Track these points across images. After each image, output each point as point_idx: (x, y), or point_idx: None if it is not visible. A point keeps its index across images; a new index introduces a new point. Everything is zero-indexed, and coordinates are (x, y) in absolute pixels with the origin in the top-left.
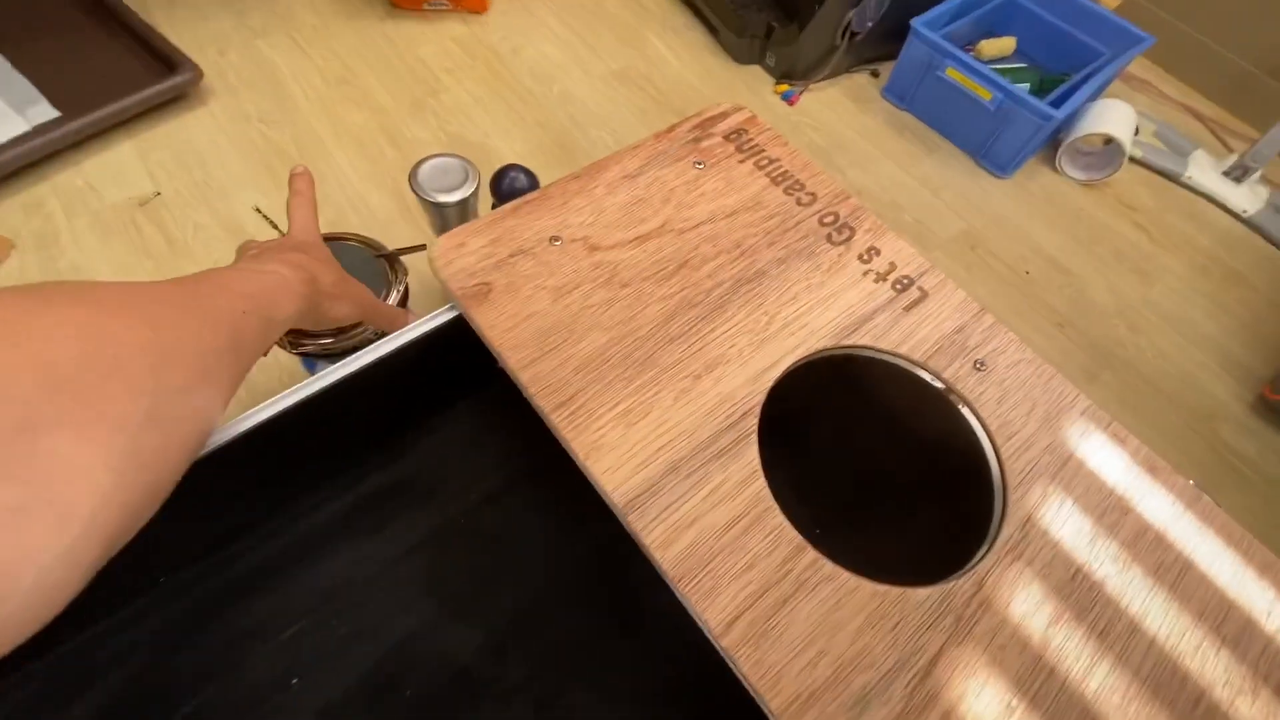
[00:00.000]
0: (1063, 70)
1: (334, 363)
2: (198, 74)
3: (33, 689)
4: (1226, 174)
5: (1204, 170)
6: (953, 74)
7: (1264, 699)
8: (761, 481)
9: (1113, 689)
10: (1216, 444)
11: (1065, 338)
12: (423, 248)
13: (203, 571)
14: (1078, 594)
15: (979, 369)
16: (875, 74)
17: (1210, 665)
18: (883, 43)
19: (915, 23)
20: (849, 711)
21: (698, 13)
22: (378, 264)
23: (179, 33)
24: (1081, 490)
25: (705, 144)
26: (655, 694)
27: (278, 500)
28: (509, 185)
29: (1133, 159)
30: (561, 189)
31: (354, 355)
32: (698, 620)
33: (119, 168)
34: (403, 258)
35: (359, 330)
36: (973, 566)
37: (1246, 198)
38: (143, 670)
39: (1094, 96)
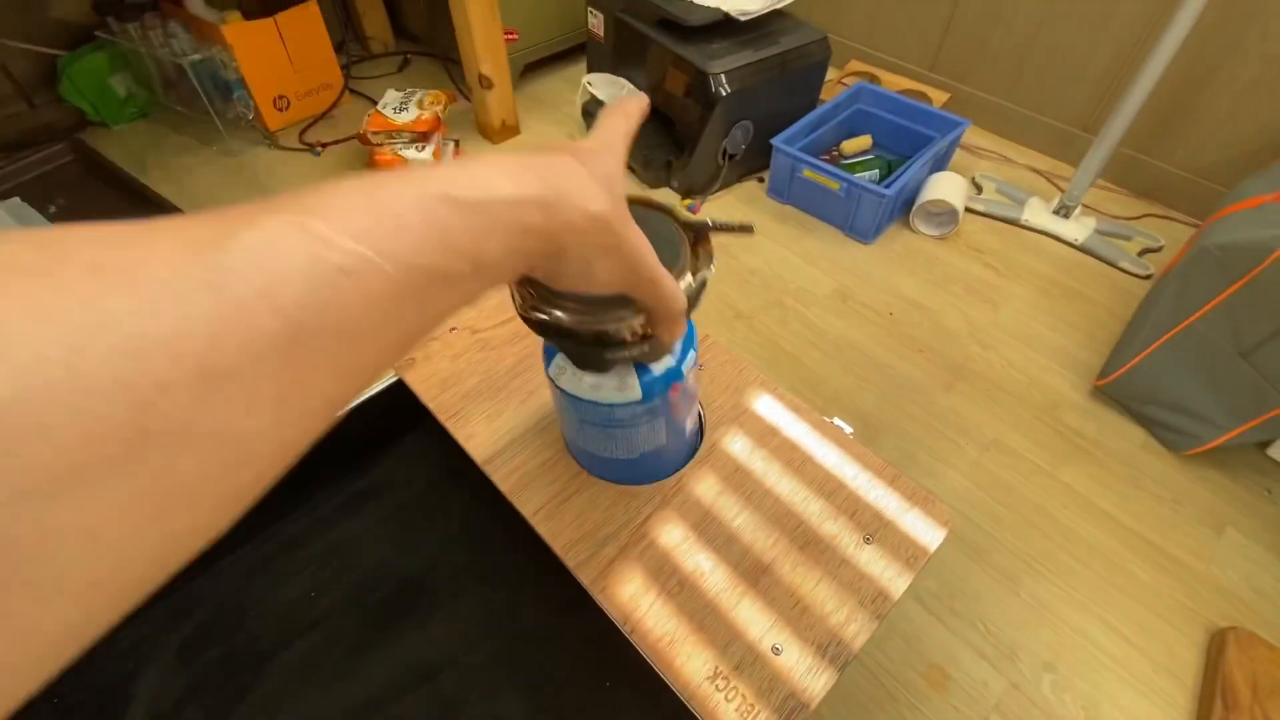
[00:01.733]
0: (907, 154)
1: (578, 363)
2: None
3: (146, 629)
4: (1056, 212)
5: (1038, 212)
6: (809, 174)
7: (864, 546)
8: (560, 444)
9: (757, 526)
10: (1061, 428)
11: (925, 359)
12: (749, 229)
13: (255, 543)
14: (739, 477)
15: (701, 367)
16: (761, 180)
17: (828, 523)
18: (761, 157)
19: (774, 141)
20: (595, 547)
21: None
22: (676, 237)
23: None
24: (748, 425)
25: None
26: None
27: (299, 494)
28: None
29: (977, 212)
30: None
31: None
32: (521, 510)
33: None
34: (717, 236)
35: (622, 316)
36: (677, 474)
37: (1075, 229)
38: (220, 603)
39: (933, 170)
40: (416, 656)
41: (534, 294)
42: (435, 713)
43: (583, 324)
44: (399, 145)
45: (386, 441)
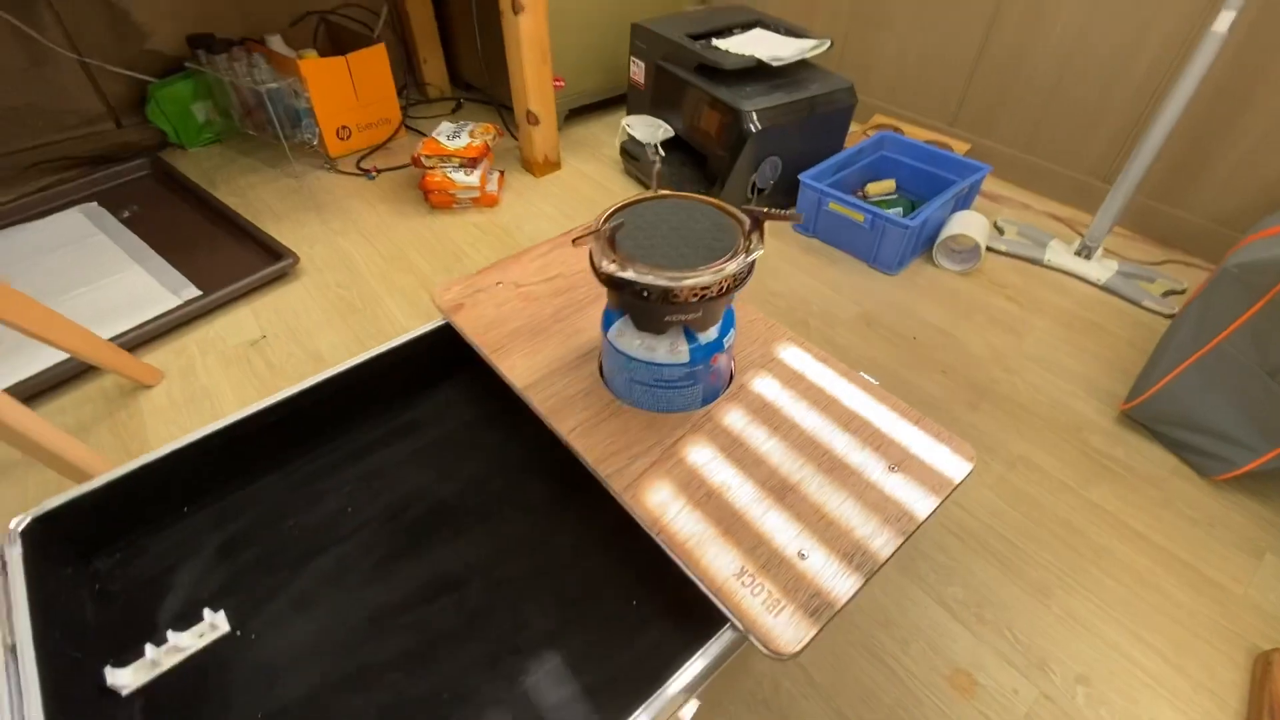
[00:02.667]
0: (929, 198)
1: (640, 323)
2: (295, 260)
3: (192, 529)
4: (1077, 254)
5: (1059, 253)
6: (834, 206)
7: (890, 474)
8: (597, 375)
9: (783, 452)
10: (1088, 450)
11: (948, 380)
12: (798, 217)
13: (297, 465)
14: (766, 411)
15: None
16: None
17: (854, 453)
18: (787, 194)
19: (802, 177)
20: (627, 461)
21: (645, 187)
22: (730, 224)
23: (284, 235)
24: (777, 370)
25: (581, 239)
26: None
27: (342, 426)
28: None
29: (999, 252)
30: (507, 263)
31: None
32: (557, 433)
33: (238, 323)
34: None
35: (684, 278)
36: (706, 407)
37: (1097, 270)
38: (261, 513)
39: (956, 209)
40: (445, 569)
41: (616, 255)
42: (461, 619)
43: (655, 283)
44: (449, 169)
45: (426, 384)
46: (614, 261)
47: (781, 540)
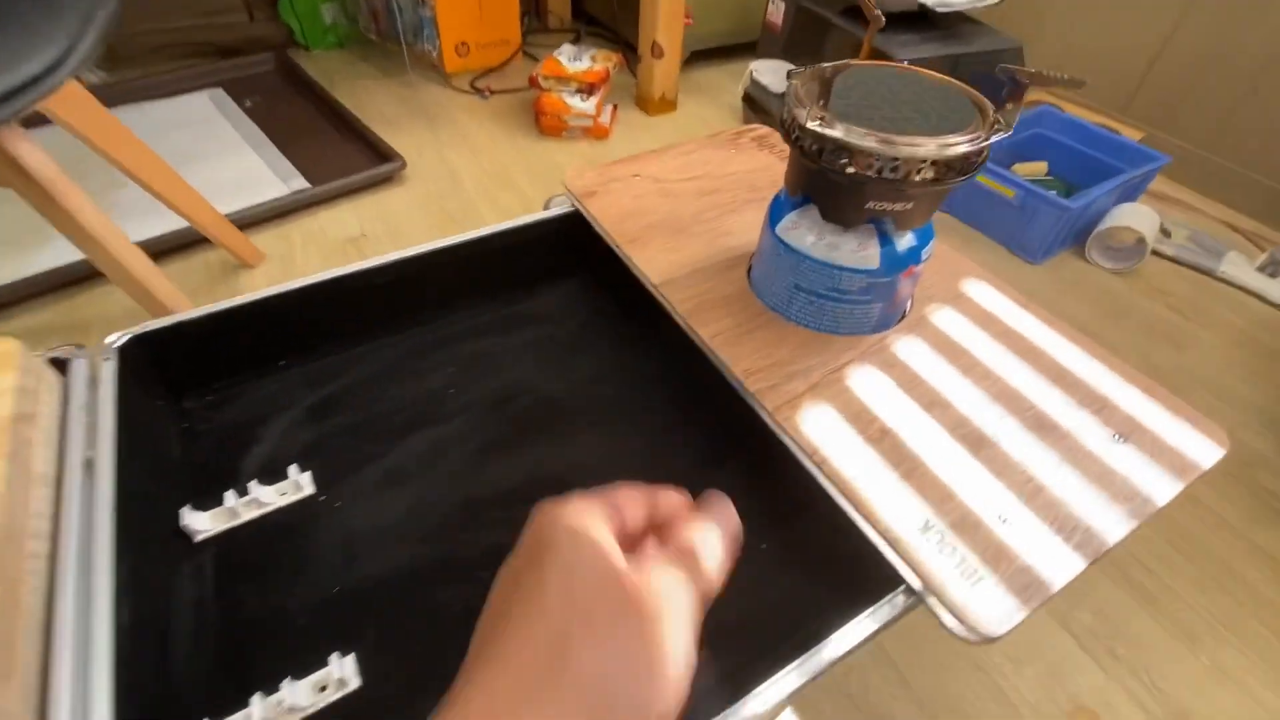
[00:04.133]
0: (1089, 186)
1: (828, 211)
2: (402, 164)
3: (288, 383)
4: (1260, 269)
5: (1239, 267)
6: (981, 179)
7: (1116, 444)
8: (745, 282)
9: (977, 399)
10: (1258, 489)
11: None
12: (1081, 83)
13: (401, 336)
14: (954, 350)
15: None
16: None
17: (1069, 413)
18: None
19: None
20: (782, 379)
21: None
22: (967, 107)
23: (394, 139)
24: (965, 307)
25: (740, 141)
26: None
27: (451, 304)
28: None
29: (1165, 256)
30: (646, 157)
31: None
32: (696, 339)
33: (340, 219)
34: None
35: (919, 147)
36: (880, 333)
37: None
38: (363, 379)
39: (1118, 201)
40: (545, 469)
41: (824, 113)
42: None
43: (872, 146)
44: (565, 93)
45: (546, 274)
46: (820, 117)
47: (978, 499)
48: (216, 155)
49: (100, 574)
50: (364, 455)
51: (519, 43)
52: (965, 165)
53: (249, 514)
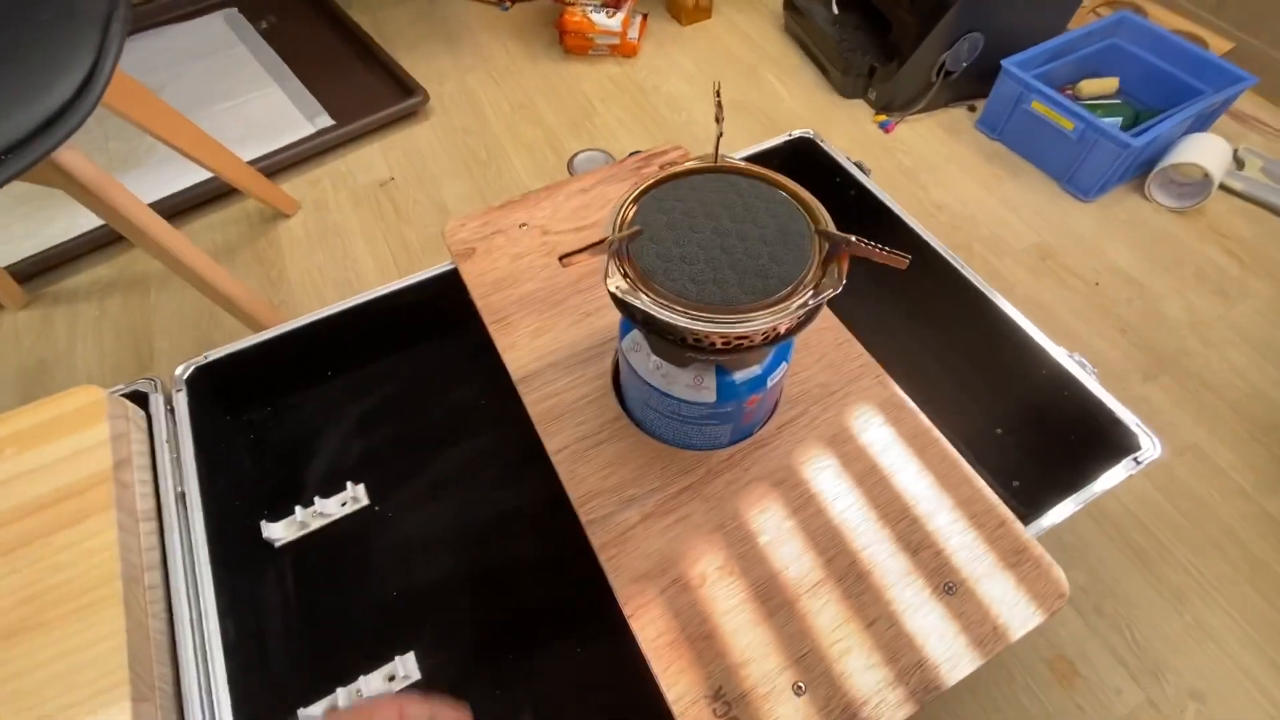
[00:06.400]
0: (1159, 108)
1: (657, 351)
2: (425, 97)
3: (335, 394)
4: None
5: None
6: (1038, 107)
7: (943, 595)
8: (608, 380)
9: (812, 535)
10: (1279, 454)
11: (1127, 341)
12: (903, 261)
13: (433, 348)
14: (798, 477)
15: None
16: (972, 109)
17: (900, 557)
18: (980, 81)
19: (1006, 63)
20: (617, 508)
21: (810, 55)
22: (805, 237)
23: (414, 67)
24: (831, 416)
25: (644, 170)
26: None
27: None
28: None
29: (1234, 191)
30: (537, 196)
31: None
32: (545, 445)
33: (369, 160)
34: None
35: (716, 320)
36: (730, 448)
37: None
38: (402, 388)
39: (1190, 130)
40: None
41: (629, 273)
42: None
43: (674, 321)
44: (590, 8)
45: None
46: (624, 275)
47: (778, 663)
48: (240, 92)
49: (206, 597)
50: (409, 467)
51: None
52: (788, 331)
53: (316, 524)
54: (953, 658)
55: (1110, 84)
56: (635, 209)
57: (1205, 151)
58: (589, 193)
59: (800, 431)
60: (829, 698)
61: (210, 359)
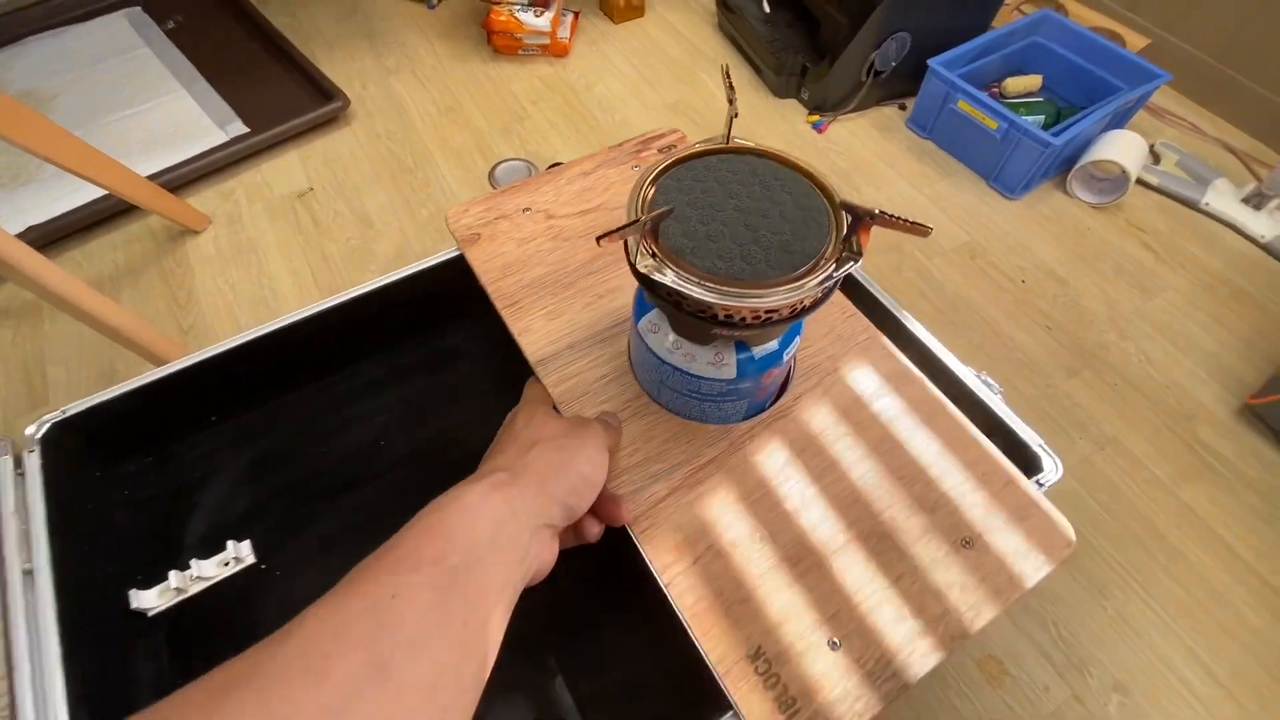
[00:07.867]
0: (1081, 104)
1: (678, 329)
2: (346, 102)
3: (221, 440)
4: (1245, 201)
5: (1223, 197)
6: (963, 106)
7: (957, 553)
8: (625, 359)
9: (834, 500)
10: (1193, 442)
11: (1051, 338)
12: (926, 230)
13: (326, 385)
14: (816, 445)
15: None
16: (903, 107)
17: (915, 517)
18: (909, 80)
19: (932, 62)
20: (645, 482)
21: (744, 54)
22: (823, 215)
23: (334, 69)
24: (845, 381)
25: (643, 154)
26: None
27: (372, 352)
28: None
29: (1150, 186)
30: (538, 180)
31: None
32: None
33: (286, 170)
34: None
35: (745, 295)
36: (751, 420)
37: (1265, 224)
38: (294, 431)
39: (1109, 127)
40: None
41: (655, 249)
42: None
43: (705, 298)
44: (517, 8)
45: (460, 311)
46: (652, 255)
47: (809, 621)
48: (144, 96)
49: (53, 687)
50: (300, 520)
51: None
52: (813, 304)
53: (194, 588)
54: (975, 605)
55: (1034, 81)
56: (654, 190)
57: (1122, 148)
58: (590, 176)
59: (816, 403)
60: (863, 650)
61: (69, 413)
